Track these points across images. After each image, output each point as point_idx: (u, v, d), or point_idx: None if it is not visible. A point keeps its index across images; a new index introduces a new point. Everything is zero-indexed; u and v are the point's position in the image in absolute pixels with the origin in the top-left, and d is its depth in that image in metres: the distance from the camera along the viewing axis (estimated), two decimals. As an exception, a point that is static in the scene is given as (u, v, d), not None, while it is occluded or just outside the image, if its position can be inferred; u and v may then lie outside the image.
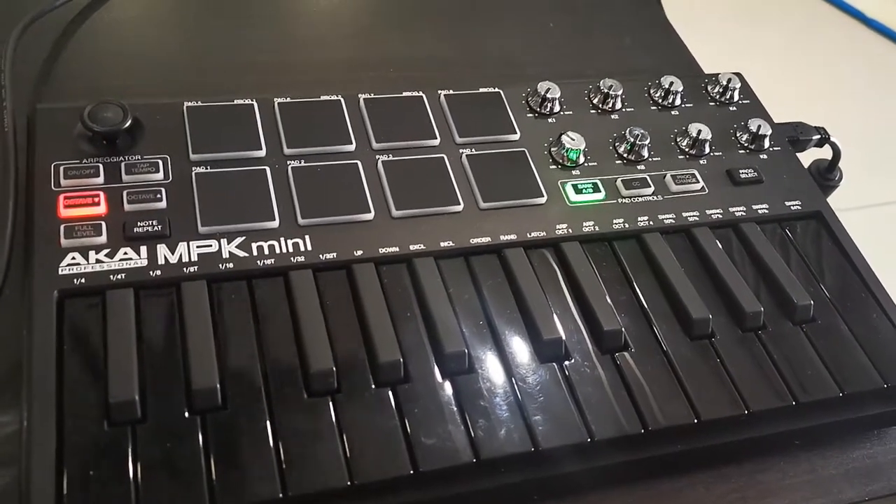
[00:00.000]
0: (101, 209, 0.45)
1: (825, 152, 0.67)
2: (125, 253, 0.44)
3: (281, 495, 0.38)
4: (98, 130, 0.47)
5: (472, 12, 0.73)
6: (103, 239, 0.44)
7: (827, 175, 0.69)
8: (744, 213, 0.54)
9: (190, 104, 0.51)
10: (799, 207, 0.55)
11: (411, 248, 0.48)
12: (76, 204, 0.45)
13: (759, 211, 0.55)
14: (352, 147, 0.52)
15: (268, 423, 0.40)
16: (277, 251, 0.46)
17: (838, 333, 0.49)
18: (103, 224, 0.45)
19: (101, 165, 0.47)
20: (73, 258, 0.43)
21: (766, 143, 0.59)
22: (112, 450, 0.38)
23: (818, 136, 0.64)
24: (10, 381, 0.44)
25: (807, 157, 0.64)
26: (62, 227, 0.44)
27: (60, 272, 0.43)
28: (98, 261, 0.43)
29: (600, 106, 0.58)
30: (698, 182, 0.55)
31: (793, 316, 0.49)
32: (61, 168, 0.46)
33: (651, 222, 0.52)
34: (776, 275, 0.51)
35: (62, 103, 0.49)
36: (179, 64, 0.62)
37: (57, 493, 0.36)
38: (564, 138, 0.54)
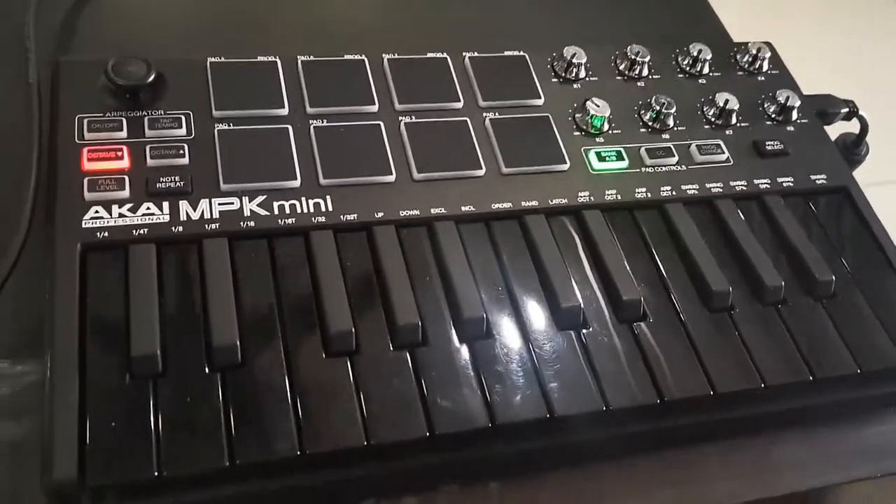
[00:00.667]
0: (125, 163, 0.45)
1: (853, 126, 0.66)
2: (148, 208, 0.44)
3: (298, 452, 0.38)
4: (122, 84, 0.47)
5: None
6: (126, 193, 0.44)
7: (853, 149, 0.67)
8: (768, 186, 0.54)
9: (214, 60, 0.51)
10: (825, 182, 0.55)
11: (432, 211, 0.48)
12: (100, 158, 0.45)
13: (784, 184, 0.54)
14: (375, 108, 0.51)
15: (286, 381, 0.40)
16: (298, 210, 0.46)
17: (858, 310, 0.49)
18: (126, 178, 0.45)
19: (124, 119, 0.47)
20: (97, 212, 0.43)
21: (794, 116, 0.58)
22: (133, 402, 0.38)
23: (846, 110, 0.63)
24: (31, 333, 0.44)
25: (834, 131, 0.63)
26: (86, 181, 0.44)
27: (83, 225, 0.43)
28: (121, 215, 0.44)
29: (626, 72, 0.57)
30: (724, 153, 0.54)
31: (813, 291, 0.49)
32: (85, 121, 0.46)
33: (674, 192, 0.52)
34: (798, 249, 0.50)
35: (85, 56, 0.49)
36: (203, 20, 0.62)
37: (80, 443, 0.36)
38: (589, 104, 0.54)
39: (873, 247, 0.52)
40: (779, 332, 0.47)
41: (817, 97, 0.63)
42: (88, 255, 0.42)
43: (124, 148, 0.46)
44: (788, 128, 0.57)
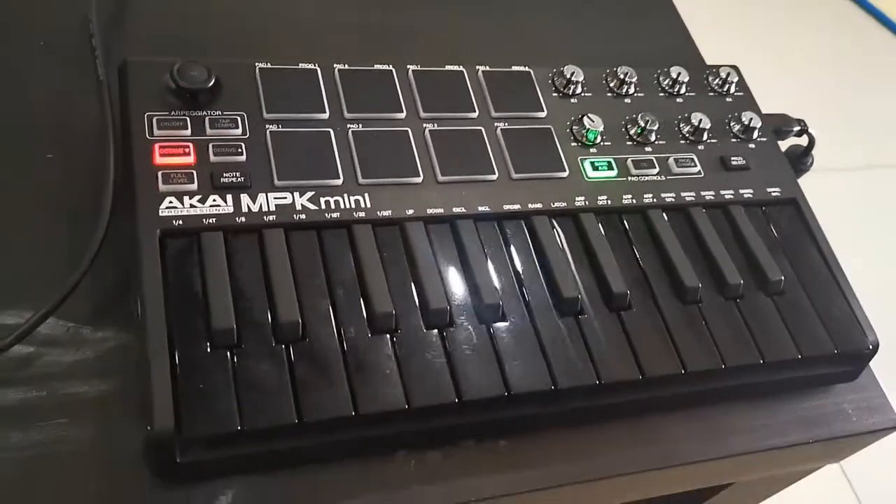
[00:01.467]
0: (191, 159, 0.52)
1: (802, 139, 0.76)
2: (214, 200, 0.51)
3: (353, 413, 0.46)
4: (185, 87, 0.53)
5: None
6: (195, 186, 0.51)
7: (801, 160, 0.78)
8: (732, 196, 0.63)
9: (261, 65, 0.57)
10: (778, 194, 0.64)
11: (454, 210, 0.55)
12: (170, 153, 0.51)
13: (745, 195, 0.63)
14: (402, 115, 0.59)
15: (340, 353, 0.48)
16: (342, 206, 0.53)
17: (802, 306, 0.59)
18: (194, 173, 0.51)
19: (188, 118, 0.53)
20: (171, 202, 0.50)
21: (755, 135, 0.67)
22: (215, 369, 0.45)
23: (798, 128, 0.73)
24: (108, 304, 0.51)
25: (785, 142, 0.73)
26: (160, 174, 0.50)
27: (161, 214, 0.49)
28: (192, 205, 0.50)
29: (616, 90, 0.66)
30: (696, 166, 0.63)
31: (766, 288, 0.59)
32: (154, 119, 0.53)
33: (655, 199, 0.61)
34: (755, 252, 0.60)
35: (150, 57, 0.55)
36: (247, 23, 0.68)
37: (174, 402, 0.44)
38: (586, 119, 0.62)
39: (815, 252, 0.62)
40: (737, 322, 0.57)
41: (774, 116, 0.72)
42: (166, 240, 0.49)
43: (190, 145, 0.52)
44: (750, 145, 0.67)
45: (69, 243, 0.51)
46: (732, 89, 0.69)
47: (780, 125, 0.72)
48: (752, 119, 0.67)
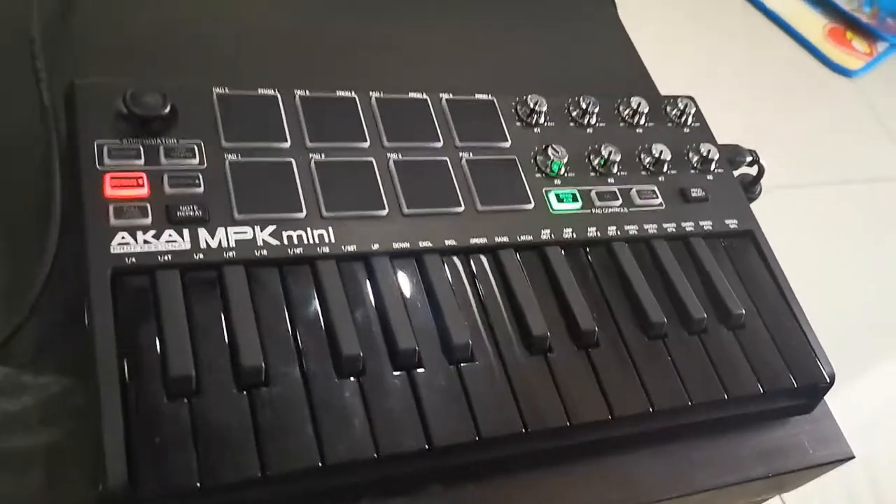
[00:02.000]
0: (145, 191, 0.49)
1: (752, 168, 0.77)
2: (170, 235, 0.48)
3: (319, 464, 0.44)
4: (138, 113, 0.50)
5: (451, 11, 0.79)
6: (149, 220, 0.48)
7: (750, 188, 0.79)
8: (692, 228, 0.63)
9: (219, 91, 0.55)
10: (736, 226, 0.65)
11: (420, 244, 0.54)
12: (122, 185, 0.48)
13: (705, 227, 0.64)
14: (366, 144, 0.57)
15: (305, 399, 0.46)
16: (305, 241, 0.51)
17: (762, 339, 0.60)
18: (148, 206, 0.48)
19: (141, 147, 0.50)
20: (123, 238, 0.47)
21: (713, 166, 0.68)
22: (172, 419, 0.43)
23: (750, 158, 0.74)
24: (50, 345, 0.48)
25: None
26: (111, 207, 0.47)
27: (112, 251, 0.46)
28: (146, 241, 0.47)
29: (578, 119, 0.65)
30: (658, 198, 0.63)
31: (728, 322, 0.59)
32: (104, 147, 0.49)
33: (618, 232, 0.60)
34: (716, 285, 0.60)
35: (99, 78, 0.52)
36: (203, 41, 0.65)
37: (128, 456, 0.41)
38: (550, 150, 0.61)
39: (772, 284, 0.63)
40: (701, 357, 0.57)
41: (728, 147, 0.73)
42: (118, 279, 0.46)
43: (144, 175, 0.49)
44: (708, 176, 0.67)
45: (12, 282, 0.48)
46: (689, 120, 0.70)
47: (733, 155, 0.73)
48: (709, 150, 0.67)
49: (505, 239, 0.56)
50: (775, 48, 2.04)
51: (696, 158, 0.68)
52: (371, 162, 0.56)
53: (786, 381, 0.58)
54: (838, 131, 1.93)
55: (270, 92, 0.56)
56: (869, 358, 1.46)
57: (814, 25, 2.06)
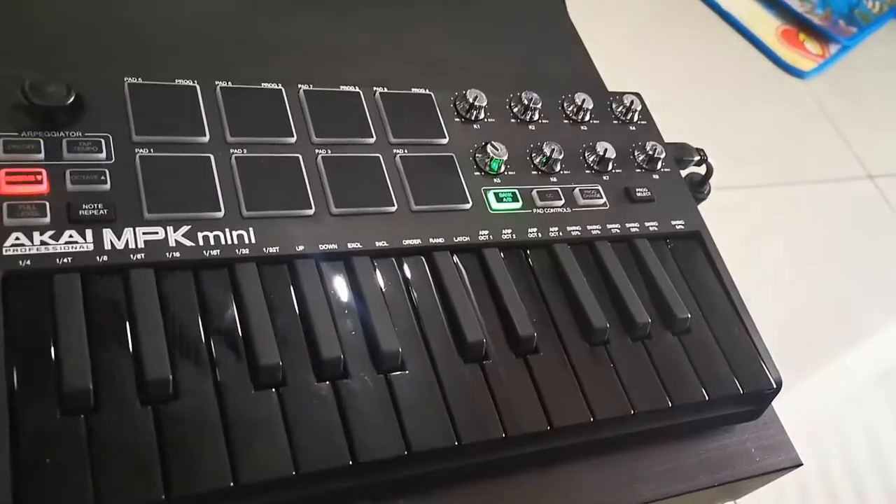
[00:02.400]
0: (43, 187, 0.45)
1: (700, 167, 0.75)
2: (70, 236, 0.44)
3: (231, 484, 0.41)
4: (39, 104, 0.46)
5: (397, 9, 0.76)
6: (47, 220, 0.44)
7: (699, 188, 0.77)
8: (637, 230, 0.61)
9: (131, 81, 0.51)
10: (682, 227, 0.63)
11: (349, 246, 0.51)
12: (19, 181, 0.44)
13: (650, 228, 0.62)
14: (293, 140, 0.53)
15: (218, 413, 0.42)
16: (223, 242, 0.47)
17: (708, 344, 0.57)
18: (47, 204, 0.44)
19: (41, 140, 0.46)
20: (17, 238, 0.43)
21: (659, 165, 0.65)
22: (67, 438, 0.39)
23: (698, 157, 0.72)
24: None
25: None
26: (5, 205, 0.43)
27: (4, 252, 0.42)
28: (43, 243, 0.43)
29: (520, 116, 0.63)
30: (602, 198, 0.61)
31: (673, 327, 0.57)
32: (0, 140, 0.45)
33: (560, 233, 0.58)
34: (661, 289, 0.58)
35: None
36: (118, 31, 0.61)
37: (13, 480, 0.37)
38: (490, 148, 0.58)
39: (719, 287, 0.61)
40: (645, 364, 0.55)
41: (675, 145, 0.71)
42: (10, 283, 0.42)
43: (43, 171, 0.45)
44: (654, 176, 0.65)
45: None
46: (636, 117, 0.68)
47: (680, 154, 0.71)
48: (656, 149, 0.65)
49: (440, 240, 0.54)
50: (728, 48, 2.05)
51: (641, 157, 0.65)
52: (297, 158, 0.53)
53: (732, 387, 0.56)
54: (790, 132, 1.94)
55: (189, 83, 0.52)
56: (813, 362, 1.46)
57: (767, 26, 2.07)
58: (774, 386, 0.57)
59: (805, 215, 1.77)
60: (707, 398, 0.55)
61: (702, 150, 0.73)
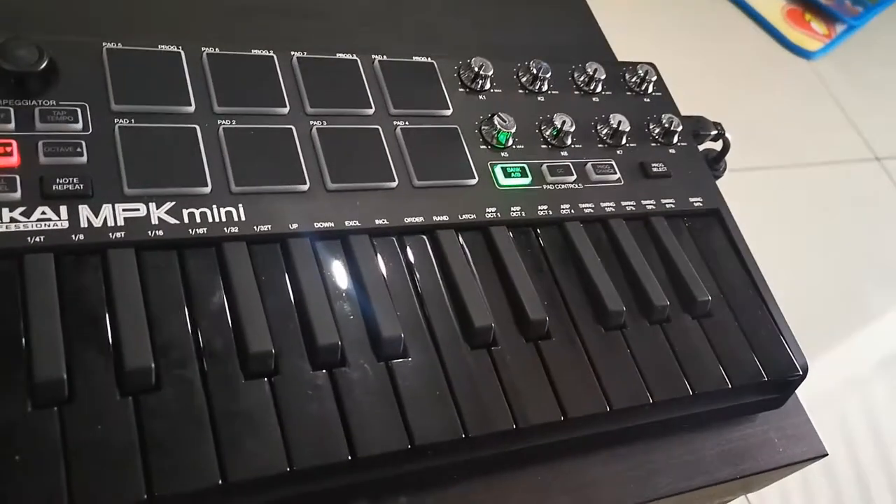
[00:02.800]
0: (13, 160, 0.41)
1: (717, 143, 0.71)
2: (43, 213, 0.41)
3: (220, 482, 0.37)
4: (9, 69, 0.42)
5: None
6: (17, 195, 0.40)
7: (714, 165, 0.73)
8: (654, 207, 0.57)
9: (109, 46, 0.47)
10: (701, 204, 0.59)
11: (346, 224, 0.47)
12: (-15, 153, 0.41)
13: (667, 205, 0.58)
14: (285, 110, 0.50)
15: (204, 405, 0.39)
16: (210, 220, 0.44)
17: (729, 329, 0.54)
18: (17, 178, 0.41)
19: (11, 109, 0.43)
20: (-16, 215, 0.39)
21: (675, 139, 0.62)
22: (39, 433, 0.35)
23: (716, 132, 0.68)
24: None
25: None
26: (-30, 180, 0.40)
27: (-30, 231, 0.39)
28: (13, 219, 0.40)
29: (528, 86, 0.59)
30: (615, 173, 0.57)
31: (692, 310, 0.53)
32: (-35, 109, 0.42)
33: (572, 210, 0.54)
34: (680, 270, 0.54)
35: (-38, 31, 0.44)
36: None
37: (-22, 480, 0.34)
38: (497, 119, 0.55)
39: (740, 268, 0.58)
40: (664, 350, 0.51)
41: (692, 118, 0.67)
42: (-24, 264, 0.38)
43: (13, 143, 0.42)
44: (670, 150, 0.61)
45: None
46: (650, 89, 0.64)
47: (697, 128, 0.67)
48: (672, 122, 0.61)
49: (444, 218, 0.50)
50: (733, 28, 2.00)
51: (657, 130, 0.62)
52: (290, 130, 0.49)
53: (755, 373, 0.53)
54: (795, 113, 1.90)
55: (172, 48, 0.49)
56: (819, 345, 1.43)
57: (773, 6, 2.03)
58: (800, 372, 0.54)
59: (811, 197, 1.74)
60: (730, 386, 0.51)
61: (719, 124, 0.70)
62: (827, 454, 0.57)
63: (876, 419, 1.39)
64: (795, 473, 0.59)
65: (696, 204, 0.59)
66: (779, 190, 1.73)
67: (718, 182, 0.72)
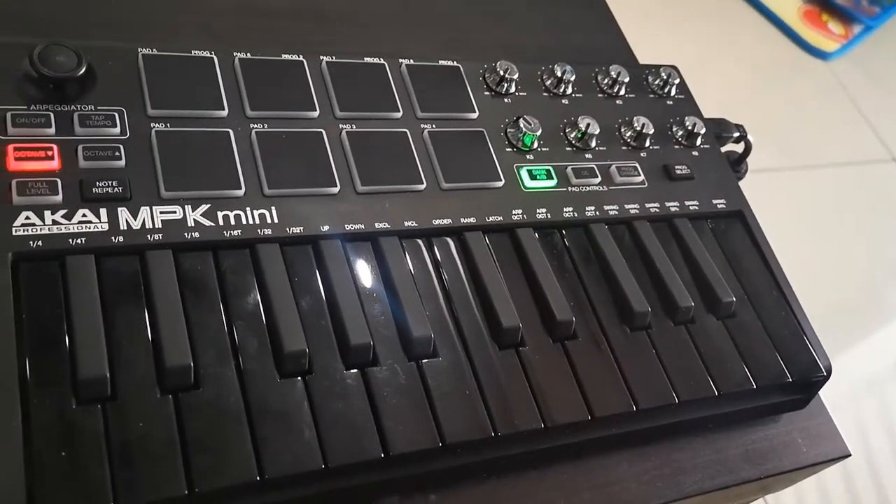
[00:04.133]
0: (55, 164, 0.42)
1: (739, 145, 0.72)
2: (84, 215, 0.42)
3: (257, 478, 0.38)
4: (49, 75, 0.44)
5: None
6: (59, 198, 0.41)
7: (735, 167, 0.74)
8: (677, 209, 0.58)
9: (145, 51, 0.48)
10: (724, 206, 0.60)
11: (376, 226, 0.48)
12: (28, 157, 0.42)
13: (691, 207, 0.58)
14: (315, 114, 0.51)
15: (241, 403, 0.40)
16: (244, 222, 0.45)
17: (754, 329, 0.54)
18: (59, 181, 0.42)
19: (52, 114, 0.44)
20: (28, 218, 0.40)
21: (699, 141, 0.62)
22: (82, 429, 0.36)
23: (738, 134, 0.69)
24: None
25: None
26: (14, 182, 0.41)
27: (14, 233, 0.40)
28: (55, 222, 0.41)
29: (552, 89, 0.60)
30: (639, 175, 0.58)
31: (717, 311, 0.54)
32: (8, 114, 0.43)
33: (597, 212, 0.55)
34: (704, 271, 0.55)
35: (4, 38, 0.45)
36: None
37: (27, 473, 0.35)
38: (522, 122, 0.55)
39: (764, 269, 0.58)
40: (689, 350, 0.52)
41: (714, 121, 0.68)
42: (21, 265, 0.39)
43: (54, 146, 0.43)
44: (693, 152, 0.62)
45: None
46: (673, 91, 0.64)
47: (719, 130, 0.68)
48: (695, 124, 0.62)
49: (472, 220, 0.51)
50: (750, 29, 2.00)
51: (680, 132, 0.62)
52: (321, 133, 0.50)
53: (780, 374, 0.53)
54: (814, 114, 1.90)
55: (206, 54, 0.50)
56: (838, 345, 1.43)
57: (789, 6, 2.02)
58: (824, 373, 0.54)
59: (829, 198, 1.73)
60: (754, 386, 0.52)
61: (741, 126, 0.70)
62: (850, 455, 0.57)
63: (893, 420, 1.39)
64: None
65: (719, 205, 0.60)
66: (797, 191, 1.73)
67: (740, 183, 0.73)
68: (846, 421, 1.33)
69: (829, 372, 0.55)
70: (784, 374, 0.53)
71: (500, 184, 0.53)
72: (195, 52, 0.49)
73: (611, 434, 0.48)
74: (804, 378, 0.54)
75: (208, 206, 0.44)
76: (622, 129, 0.60)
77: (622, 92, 0.62)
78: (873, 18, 2.04)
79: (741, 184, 0.68)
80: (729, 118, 0.71)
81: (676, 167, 0.60)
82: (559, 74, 0.59)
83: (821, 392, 0.57)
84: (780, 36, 2.02)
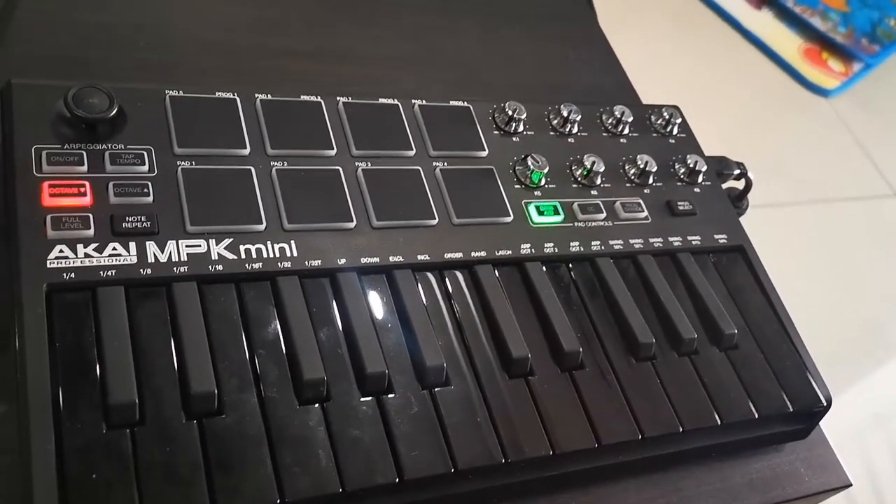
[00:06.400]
0: (87, 200, 0.45)
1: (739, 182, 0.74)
2: (114, 248, 0.44)
3: (278, 501, 0.40)
4: (82, 116, 0.46)
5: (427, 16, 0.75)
6: (91, 232, 0.44)
7: (736, 202, 0.76)
8: (680, 244, 0.60)
9: (172, 93, 0.50)
10: (725, 241, 0.62)
11: (391, 259, 0.50)
12: (62, 193, 0.44)
13: (693, 242, 0.60)
14: (333, 152, 0.53)
15: (263, 429, 0.41)
16: (265, 255, 0.47)
17: (756, 360, 0.56)
18: (91, 216, 0.44)
19: (84, 153, 0.46)
20: (61, 251, 0.42)
21: (700, 178, 0.64)
22: (112, 452, 0.38)
23: (738, 171, 0.71)
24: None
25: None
26: (49, 217, 0.43)
27: (49, 265, 0.42)
28: (87, 255, 0.43)
29: (559, 128, 0.62)
30: (643, 211, 0.60)
31: (720, 343, 0.56)
32: (43, 153, 0.45)
33: (602, 247, 0.57)
34: (707, 304, 0.57)
35: (39, 80, 0.47)
36: (154, 43, 0.61)
37: (60, 495, 0.36)
38: (530, 160, 0.58)
39: (765, 302, 0.60)
40: (692, 380, 0.53)
41: (714, 158, 0.70)
42: (54, 296, 0.41)
43: (87, 183, 0.45)
44: (695, 189, 0.64)
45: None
46: (675, 130, 0.67)
47: (720, 168, 0.70)
48: (696, 162, 0.64)
49: (482, 254, 0.53)
50: (752, 67, 2.04)
51: (682, 170, 0.64)
52: (338, 171, 0.52)
53: (781, 405, 0.54)
54: (816, 151, 1.92)
55: (229, 95, 0.52)
56: (840, 380, 1.44)
57: (790, 44, 2.06)
58: (824, 404, 0.56)
59: (831, 234, 1.75)
60: (756, 416, 0.53)
61: (741, 164, 0.72)
62: (851, 484, 0.58)
63: (897, 452, 1.39)
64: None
65: (720, 241, 0.62)
66: (798, 226, 1.75)
67: (741, 219, 0.75)
68: (851, 454, 1.33)
69: (829, 403, 0.56)
70: (785, 404, 0.54)
71: (509, 219, 0.55)
72: (219, 94, 0.52)
73: (617, 461, 0.50)
74: (805, 408, 0.55)
75: (231, 240, 0.47)
76: (626, 167, 0.62)
77: (626, 131, 0.64)
78: (873, 56, 2.07)
79: (742, 219, 0.70)
80: (732, 154, 0.74)
81: (679, 203, 0.62)
82: (565, 114, 0.62)
83: (828, 426, 0.59)
84: (781, 74, 2.06)
